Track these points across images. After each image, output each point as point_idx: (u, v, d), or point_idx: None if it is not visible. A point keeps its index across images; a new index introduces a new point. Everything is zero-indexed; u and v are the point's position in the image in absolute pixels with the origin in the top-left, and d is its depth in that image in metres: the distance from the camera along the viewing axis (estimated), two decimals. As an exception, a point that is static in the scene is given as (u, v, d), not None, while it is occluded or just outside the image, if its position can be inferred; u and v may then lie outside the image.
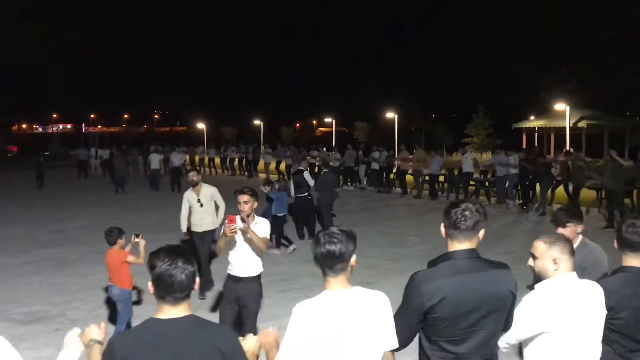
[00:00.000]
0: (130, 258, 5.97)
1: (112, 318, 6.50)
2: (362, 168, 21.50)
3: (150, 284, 2.25)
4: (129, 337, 2.26)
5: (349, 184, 22.16)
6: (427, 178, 18.52)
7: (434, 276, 2.57)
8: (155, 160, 21.99)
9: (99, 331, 2.45)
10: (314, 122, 75.71)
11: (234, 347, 2.27)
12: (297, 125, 73.32)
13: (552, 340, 2.69)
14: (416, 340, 2.70)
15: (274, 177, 23.47)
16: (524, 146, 29.11)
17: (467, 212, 2.63)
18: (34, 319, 7.01)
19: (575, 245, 3.39)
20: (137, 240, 6.02)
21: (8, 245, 11.43)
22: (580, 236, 4.09)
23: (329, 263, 2.44)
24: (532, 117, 31.19)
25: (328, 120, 40.93)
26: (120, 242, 6.06)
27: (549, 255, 2.80)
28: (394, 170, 20.09)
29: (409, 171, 19.10)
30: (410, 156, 19.63)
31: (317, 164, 17.73)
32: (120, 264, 5.95)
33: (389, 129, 35.35)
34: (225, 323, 4.90)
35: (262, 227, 5.11)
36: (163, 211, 14.44)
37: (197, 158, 29.49)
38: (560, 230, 3.93)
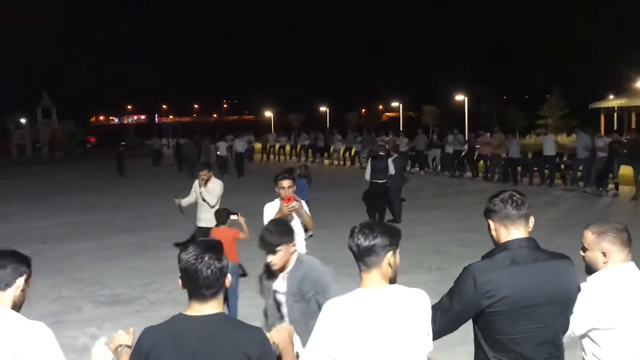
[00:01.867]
0: (242, 235, 6.54)
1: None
2: (436, 152, 21.09)
3: (179, 278, 2.18)
4: (154, 331, 2.17)
5: (417, 168, 21.88)
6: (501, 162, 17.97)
7: (491, 267, 2.40)
8: (222, 147, 23.59)
9: (128, 336, 2.41)
10: (380, 107, 75.10)
11: (262, 350, 2.12)
12: (363, 110, 72.94)
13: (605, 336, 2.48)
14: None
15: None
16: (602, 127, 27.75)
17: (515, 198, 2.50)
18: (116, 301, 7.34)
19: None
20: (235, 218, 6.58)
21: (89, 230, 12.02)
22: None
23: (361, 256, 2.33)
24: (611, 97, 29.58)
25: (395, 104, 40.42)
26: (230, 221, 6.66)
27: (598, 247, 2.58)
28: (475, 155, 19.58)
29: (488, 155, 18.64)
30: (489, 140, 19.10)
31: (387, 148, 17.64)
32: (232, 241, 6.42)
33: (459, 112, 34.57)
34: None
35: (306, 208, 5.48)
36: (235, 196, 14.76)
37: (268, 145, 30.01)
38: None
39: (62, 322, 6.61)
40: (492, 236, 2.57)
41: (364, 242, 2.30)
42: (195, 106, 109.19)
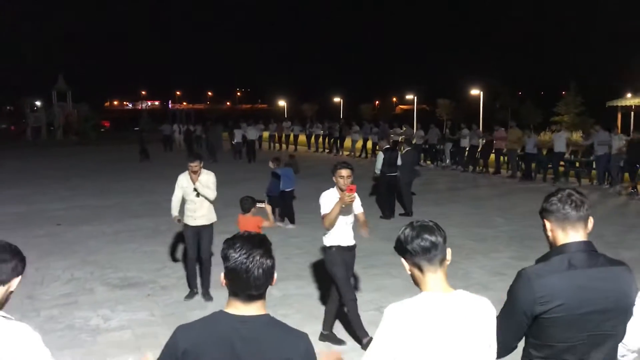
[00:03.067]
0: (266, 223, 6.63)
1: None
2: (448, 146, 20.99)
3: (222, 276, 2.03)
4: (194, 328, 2.02)
5: (428, 162, 21.79)
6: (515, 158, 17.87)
7: (547, 271, 2.26)
8: (238, 134, 24.80)
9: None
10: (394, 99, 74.79)
11: (307, 355, 2.01)
12: (376, 102, 72.70)
13: None
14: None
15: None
16: (619, 125, 27.44)
17: (574, 197, 2.34)
18: (128, 284, 7.40)
19: None
20: (262, 206, 6.64)
21: (103, 214, 12.12)
22: None
23: (428, 255, 2.13)
24: (629, 95, 29.22)
25: (409, 97, 40.23)
26: (255, 209, 6.74)
27: None
28: (493, 151, 19.45)
29: (503, 150, 18.53)
30: (505, 135, 19.01)
31: (400, 141, 17.57)
32: (256, 228, 6.47)
33: (473, 106, 34.32)
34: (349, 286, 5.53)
35: (358, 200, 5.51)
36: (248, 185, 14.82)
37: (283, 134, 30.05)
38: None
39: (75, 303, 6.69)
40: (547, 237, 2.42)
41: (433, 239, 2.13)
42: (209, 93, 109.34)
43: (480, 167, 19.51)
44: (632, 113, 28.78)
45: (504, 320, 2.27)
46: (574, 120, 35.92)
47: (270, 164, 11.06)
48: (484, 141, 19.61)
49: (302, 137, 29.97)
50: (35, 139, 39.70)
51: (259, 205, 6.67)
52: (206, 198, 6.83)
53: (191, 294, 6.85)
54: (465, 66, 57.19)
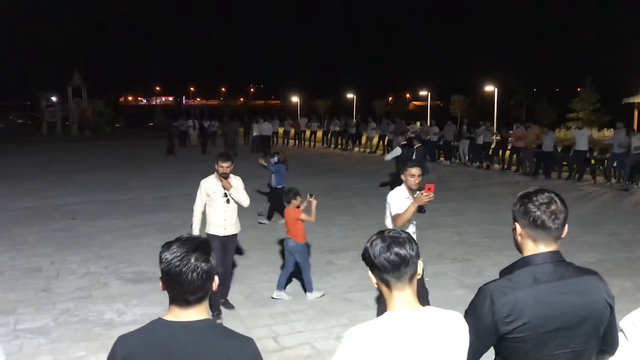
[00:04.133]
0: (303, 216, 6.59)
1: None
2: (465, 143, 20.86)
3: (160, 279, 1.95)
4: (132, 337, 1.92)
5: (442, 158, 21.69)
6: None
7: (510, 288, 2.05)
8: (256, 129, 25.72)
9: None
10: (408, 95, 74.51)
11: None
12: (390, 98, 72.46)
13: None
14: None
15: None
16: (635, 123, 27.08)
17: (554, 207, 2.08)
18: (142, 279, 7.45)
19: None
20: (311, 199, 6.58)
21: (118, 209, 12.20)
22: None
23: (396, 270, 1.91)
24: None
25: (423, 93, 40.04)
26: (295, 201, 6.67)
27: None
28: (508, 147, 19.30)
29: (521, 148, 18.40)
30: (525, 133, 18.87)
31: (411, 137, 17.52)
32: (295, 221, 6.58)
33: (488, 102, 34.10)
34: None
35: None
36: (264, 181, 14.86)
37: (300, 131, 30.14)
38: None
39: (90, 297, 6.74)
40: (515, 240, 2.21)
41: (403, 253, 1.92)
42: (223, 89, 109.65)
43: (500, 165, 19.35)
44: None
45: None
46: (589, 117, 35.55)
47: (262, 161, 11.26)
48: (499, 138, 19.46)
49: (319, 134, 29.99)
50: (50, 134, 40.10)
51: (308, 199, 6.62)
52: (240, 205, 6.25)
53: (219, 314, 6.02)
54: (480, 62, 56.75)
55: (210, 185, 6.21)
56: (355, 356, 1.85)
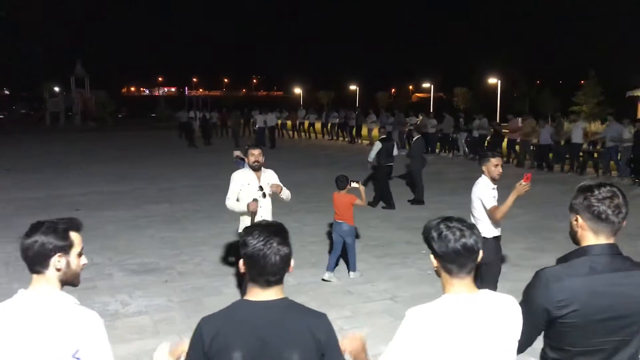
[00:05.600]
0: (358, 201, 7.08)
1: (218, 270, 6.85)
2: (463, 136, 20.84)
3: (241, 262, 2.10)
4: (218, 318, 2.08)
5: (446, 151, 21.68)
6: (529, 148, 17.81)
7: (566, 274, 2.15)
8: (260, 120, 25.40)
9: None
10: (411, 87, 74.34)
11: (329, 334, 2.08)
12: (393, 90, 72.28)
13: None
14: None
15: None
16: (638, 116, 27.04)
17: (617, 201, 2.14)
18: (146, 270, 7.50)
19: None
20: (356, 185, 7.02)
21: (122, 200, 12.26)
22: None
23: (462, 260, 2.00)
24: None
25: (426, 85, 39.95)
26: (348, 187, 7.10)
27: None
28: (505, 140, 19.28)
29: (517, 140, 18.39)
30: (520, 125, 18.85)
31: (410, 129, 17.52)
32: (349, 205, 7.03)
33: (491, 95, 34.01)
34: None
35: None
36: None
37: (297, 122, 29.94)
38: None
39: (94, 288, 6.80)
40: (573, 232, 2.26)
41: (470, 243, 1.99)
42: (225, 80, 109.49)
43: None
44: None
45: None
46: (593, 110, 35.43)
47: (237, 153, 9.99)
48: (492, 131, 19.41)
49: (318, 125, 29.94)
50: (54, 124, 40.15)
51: (353, 185, 7.03)
52: (282, 199, 5.87)
53: None
54: (483, 54, 56.51)
55: (242, 177, 5.74)
56: (415, 335, 1.98)
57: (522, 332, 2.10)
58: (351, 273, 7.17)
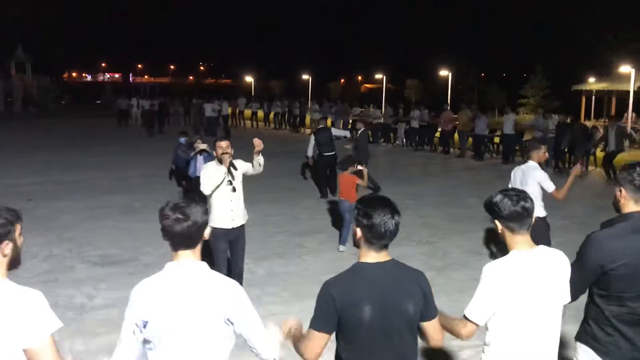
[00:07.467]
0: (360, 181, 7.90)
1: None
2: (402, 126, 21.16)
3: (358, 230, 2.44)
4: (341, 279, 2.46)
5: (382, 141, 21.74)
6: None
7: (613, 235, 2.73)
8: (209, 109, 24.76)
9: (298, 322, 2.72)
10: (360, 78, 74.72)
11: (429, 287, 2.53)
12: (342, 80, 72.49)
13: None
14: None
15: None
16: (583, 109, 28.28)
17: None
18: (110, 262, 7.32)
19: None
20: (360, 168, 7.97)
21: (75, 189, 11.89)
22: None
23: (522, 221, 2.55)
24: (591, 80, 29.93)
25: (378, 77, 40.23)
26: (352, 168, 7.94)
27: None
28: (438, 130, 19.74)
29: (449, 131, 18.89)
30: (455, 116, 19.32)
31: (354, 120, 17.68)
32: (352, 184, 7.83)
33: (441, 87, 34.60)
34: None
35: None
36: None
37: (237, 110, 29.10)
38: None
39: (56, 280, 6.59)
40: (617, 201, 2.86)
41: (528, 206, 2.55)
42: (171, 67, 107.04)
43: (430, 147, 19.82)
44: (593, 97, 29.58)
45: (575, 275, 2.68)
46: (539, 103, 36.57)
47: (198, 144, 9.78)
48: (427, 122, 19.84)
49: (260, 114, 29.56)
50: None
51: (358, 167, 7.95)
52: (259, 164, 5.75)
53: None
54: (435, 47, 57.38)
55: (213, 171, 5.47)
56: (496, 284, 2.54)
57: (575, 284, 2.65)
58: (340, 246, 7.86)
